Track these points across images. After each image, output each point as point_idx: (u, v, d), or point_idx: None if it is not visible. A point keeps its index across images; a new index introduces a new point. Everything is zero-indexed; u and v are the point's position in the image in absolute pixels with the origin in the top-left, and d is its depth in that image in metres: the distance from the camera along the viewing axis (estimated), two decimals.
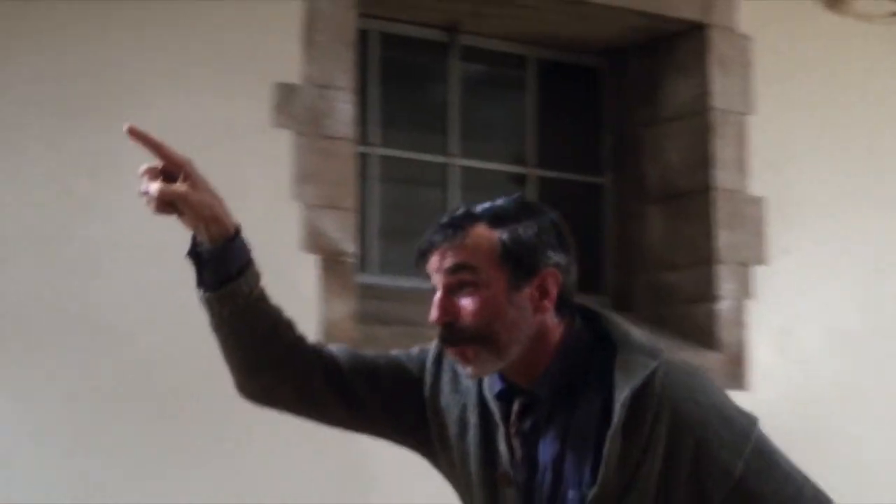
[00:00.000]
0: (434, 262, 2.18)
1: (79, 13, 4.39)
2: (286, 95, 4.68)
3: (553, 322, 2.19)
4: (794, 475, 2.17)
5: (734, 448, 2.11)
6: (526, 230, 2.17)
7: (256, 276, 2.23)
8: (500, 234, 2.17)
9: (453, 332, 2.17)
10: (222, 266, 2.19)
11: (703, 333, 5.44)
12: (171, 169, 2.13)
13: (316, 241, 4.71)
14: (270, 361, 2.29)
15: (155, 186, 2.11)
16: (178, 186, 2.12)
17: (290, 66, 4.69)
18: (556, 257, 2.19)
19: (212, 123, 4.48)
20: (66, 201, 4.32)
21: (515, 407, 2.22)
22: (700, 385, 2.16)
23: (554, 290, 2.18)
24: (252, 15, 4.62)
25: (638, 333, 2.21)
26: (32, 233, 4.27)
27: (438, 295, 2.18)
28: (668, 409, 2.10)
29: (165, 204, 2.12)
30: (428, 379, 2.33)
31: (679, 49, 5.62)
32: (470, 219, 2.19)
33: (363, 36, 5.21)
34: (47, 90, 4.32)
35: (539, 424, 2.19)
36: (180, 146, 2.16)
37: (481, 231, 2.17)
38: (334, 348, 2.37)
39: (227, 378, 2.32)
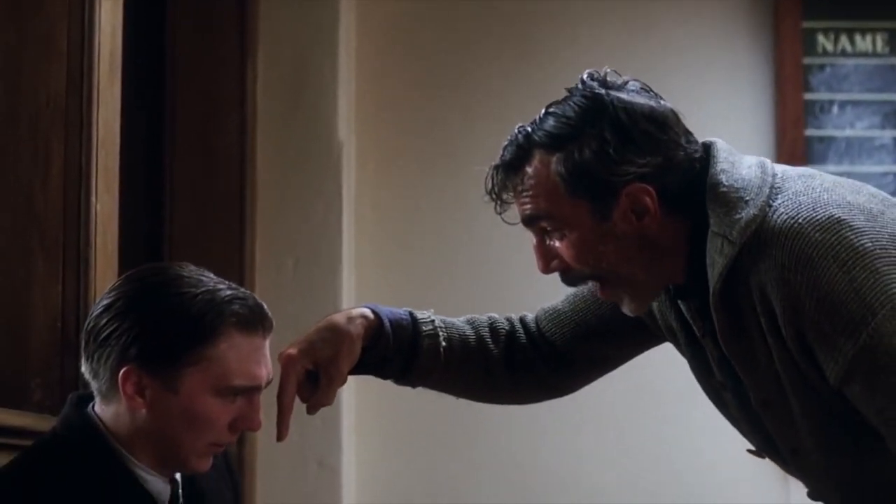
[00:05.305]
0: (516, 207, 1.95)
1: None
2: None
3: (674, 224, 1.90)
4: None
5: (835, 340, 1.80)
6: (584, 149, 1.86)
7: (432, 350, 2.08)
8: (556, 166, 1.87)
9: (572, 278, 1.96)
10: (391, 361, 2.08)
11: None
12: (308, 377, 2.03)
13: None
14: (501, 396, 2.24)
15: (311, 410, 2.04)
16: (323, 389, 2.02)
17: None
18: (637, 166, 1.86)
19: None
20: None
21: (690, 307, 1.98)
22: (803, 256, 1.81)
23: (651, 203, 1.87)
24: None
25: (734, 182, 1.88)
26: None
27: (535, 244, 1.96)
28: (758, 294, 1.84)
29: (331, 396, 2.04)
30: None
31: None
32: (525, 150, 1.90)
33: None
34: None
35: (722, 323, 1.91)
36: None
37: (539, 166, 1.89)
38: (539, 326, 2.19)
39: None
